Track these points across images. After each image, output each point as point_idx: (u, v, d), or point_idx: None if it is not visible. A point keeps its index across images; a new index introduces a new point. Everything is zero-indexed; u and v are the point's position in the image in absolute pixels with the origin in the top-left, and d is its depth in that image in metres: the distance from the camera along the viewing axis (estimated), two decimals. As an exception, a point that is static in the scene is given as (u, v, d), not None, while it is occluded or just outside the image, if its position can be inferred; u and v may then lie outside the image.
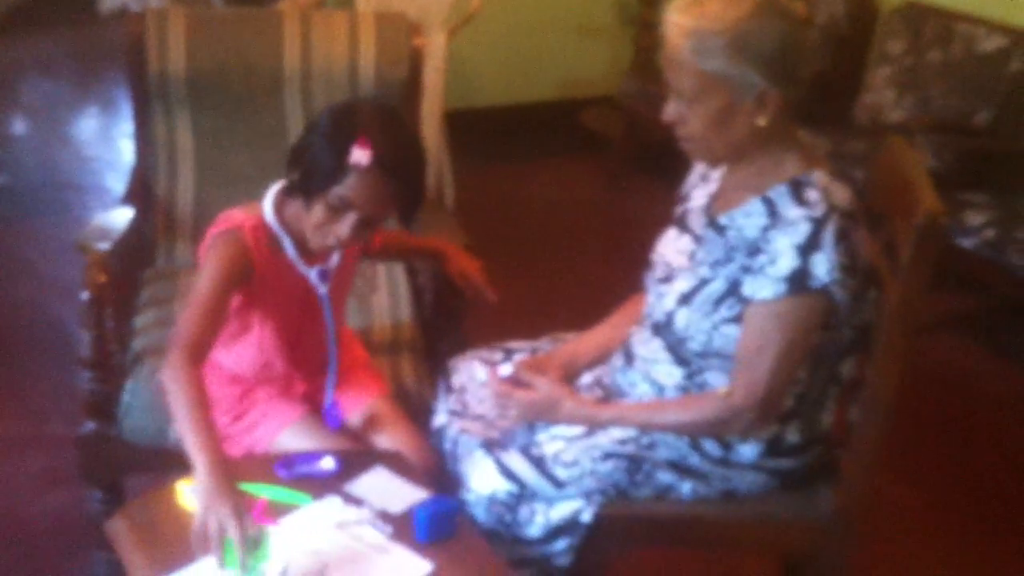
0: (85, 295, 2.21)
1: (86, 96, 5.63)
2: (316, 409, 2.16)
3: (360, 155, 1.85)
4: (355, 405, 2.19)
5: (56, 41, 6.26)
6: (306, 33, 2.71)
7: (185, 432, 1.79)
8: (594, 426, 2.00)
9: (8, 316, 3.57)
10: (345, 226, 1.92)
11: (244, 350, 2.12)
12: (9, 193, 4.45)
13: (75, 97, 5.62)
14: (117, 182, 4.35)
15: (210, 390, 2.08)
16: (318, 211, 1.92)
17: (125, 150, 4.82)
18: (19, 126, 5.24)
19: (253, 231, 1.98)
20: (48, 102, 5.52)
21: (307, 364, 2.17)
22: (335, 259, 2.09)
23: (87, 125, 5.37)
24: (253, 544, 1.66)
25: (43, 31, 6.32)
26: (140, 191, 2.71)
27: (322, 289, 2.08)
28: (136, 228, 2.54)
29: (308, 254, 2.05)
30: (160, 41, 2.64)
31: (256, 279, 2.01)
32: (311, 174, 1.91)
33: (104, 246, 2.31)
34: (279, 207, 2.02)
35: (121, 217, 2.49)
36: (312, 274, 2.06)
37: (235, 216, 2.01)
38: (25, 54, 5.99)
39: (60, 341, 3.33)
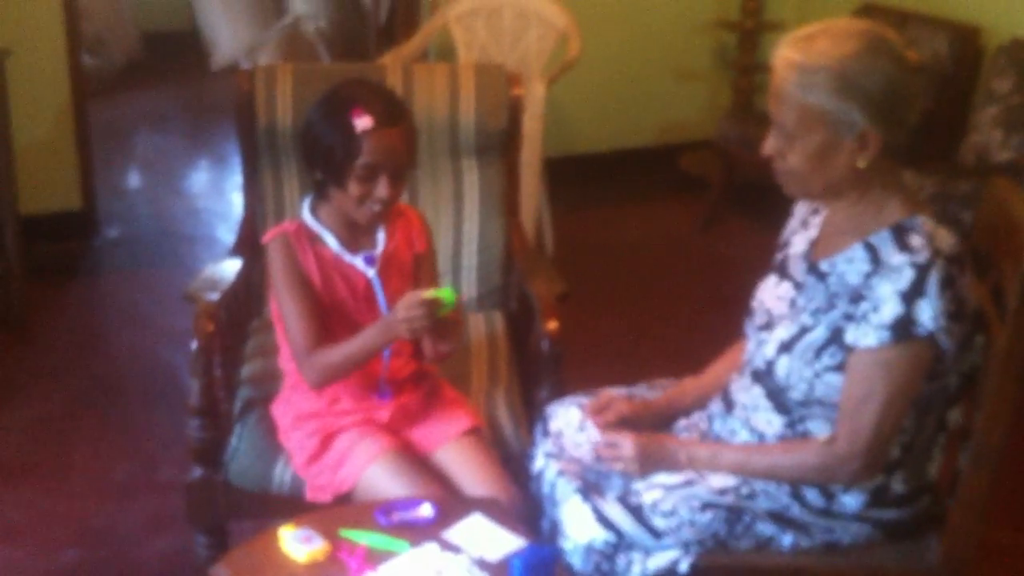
0: (194, 344, 2.26)
1: (197, 150, 5.81)
2: (407, 446, 2.19)
3: (362, 122, 2.04)
4: (444, 438, 2.21)
5: (169, 96, 6.47)
6: (408, 85, 2.77)
7: (361, 351, 2.09)
8: (692, 463, 1.98)
9: (122, 364, 3.68)
10: (382, 187, 2.08)
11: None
12: (124, 244, 4.59)
13: (187, 151, 5.80)
14: (227, 233, 4.47)
15: (298, 408, 2.21)
16: (353, 188, 2.08)
17: (234, 202, 4.95)
18: (133, 179, 5.42)
19: (295, 232, 2.16)
20: (161, 155, 5.70)
21: (374, 362, 2.20)
22: (380, 245, 2.20)
23: (198, 178, 5.53)
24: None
25: (156, 87, 6.54)
26: (248, 242, 2.77)
27: (370, 272, 2.18)
28: (244, 278, 2.61)
29: (353, 244, 2.18)
30: (268, 96, 2.73)
31: (312, 281, 2.14)
32: (332, 161, 2.08)
33: (213, 296, 2.37)
34: (315, 211, 2.19)
35: (230, 268, 2.56)
36: (358, 261, 2.18)
37: (282, 225, 2.19)
38: (139, 109, 6.20)
39: (170, 389, 3.43)
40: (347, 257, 2.18)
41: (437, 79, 2.80)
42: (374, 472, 2.11)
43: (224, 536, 2.38)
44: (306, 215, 2.19)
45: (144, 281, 4.25)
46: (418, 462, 2.16)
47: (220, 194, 5.26)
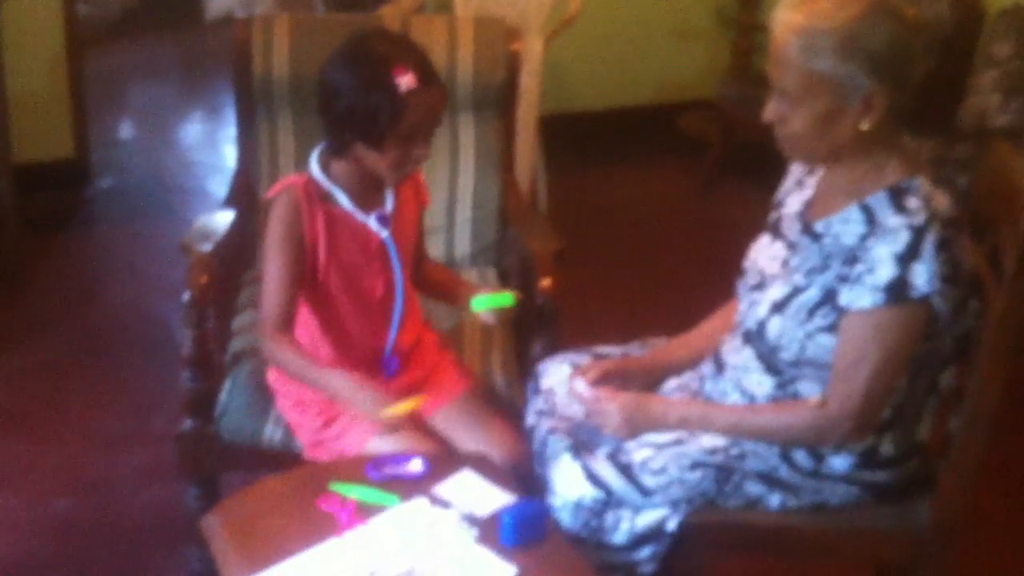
0: (187, 295, 2.25)
1: (191, 101, 5.76)
2: (413, 417, 2.17)
3: (406, 80, 1.94)
4: (445, 399, 2.20)
5: (162, 46, 6.41)
6: (405, 38, 2.74)
7: (312, 380, 2.05)
8: (684, 424, 1.98)
9: (113, 315, 3.67)
10: (423, 147, 2.01)
11: (321, 334, 2.14)
12: (115, 195, 4.57)
13: (180, 102, 5.75)
14: (220, 185, 4.44)
15: (299, 393, 2.13)
16: (392, 150, 1.99)
17: (228, 154, 4.92)
18: (127, 129, 5.38)
19: (304, 187, 2.06)
20: (154, 106, 5.65)
21: (381, 329, 2.17)
22: (389, 205, 2.13)
23: (192, 129, 5.49)
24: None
25: (150, 36, 6.47)
26: (242, 194, 2.76)
27: (384, 233, 2.11)
28: (238, 230, 2.59)
29: (364, 203, 2.10)
30: (264, 46, 2.70)
31: (317, 242, 2.06)
32: (374, 124, 1.96)
33: (206, 247, 2.36)
34: (325, 167, 2.08)
35: (223, 219, 2.54)
36: (371, 221, 2.10)
37: (288, 179, 2.09)
38: (132, 59, 6.14)
39: (163, 340, 3.42)
40: (360, 216, 2.09)
41: (435, 32, 2.77)
42: (376, 445, 2.09)
43: (215, 487, 2.39)
44: (316, 171, 2.08)
45: (137, 232, 4.22)
46: (421, 429, 2.14)
47: (214, 145, 5.22)
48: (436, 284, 2.31)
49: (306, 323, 2.14)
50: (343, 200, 2.08)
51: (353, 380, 2.00)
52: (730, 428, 1.96)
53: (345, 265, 2.10)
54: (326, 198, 2.08)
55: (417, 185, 2.23)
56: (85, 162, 4.52)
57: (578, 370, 2.12)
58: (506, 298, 2.08)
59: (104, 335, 3.54)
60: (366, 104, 1.95)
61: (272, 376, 2.24)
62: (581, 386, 2.05)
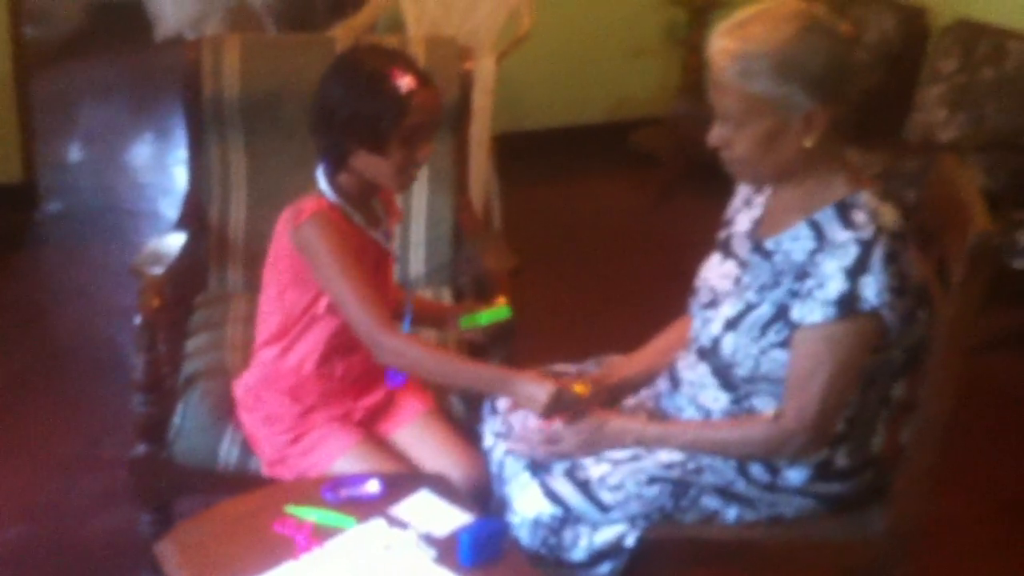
0: (139, 319, 2.23)
1: (141, 122, 5.72)
2: (372, 435, 2.17)
3: (406, 81, 1.98)
4: (404, 421, 2.20)
5: (112, 68, 6.36)
6: (355, 58, 2.74)
7: (454, 372, 2.04)
8: (641, 444, 1.99)
9: (63, 340, 3.62)
10: (426, 147, 2.04)
11: (309, 345, 2.13)
12: (65, 219, 4.52)
13: (130, 123, 5.71)
14: (171, 208, 4.40)
15: (269, 407, 2.11)
16: (396, 153, 2.01)
17: (179, 176, 4.89)
18: (75, 152, 5.32)
19: (331, 211, 2.05)
20: (103, 128, 5.60)
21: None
22: (384, 218, 2.17)
23: (142, 151, 5.45)
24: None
25: (99, 58, 6.42)
26: (193, 216, 2.74)
27: (390, 246, 2.16)
28: (189, 253, 2.58)
29: (369, 219, 2.12)
30: (215, 67, 2.69)
31: None
32: (377, 128, 1.98)
33: (157, 270, 2.34)
34: (333, 186, 2.08)
35: (174, 242, 2.53)
36: (380, 235, 2.13)
37: (305, 205, 2.05)
38: (81, 81, 6.09)
39: (114, 364, 3.38)
40: (373, 233, 2.11)
41: (386, 52, 2.77)
42: (342, 465, 2.08)
43: (169, 512, 2.36)
44: (327, 191, 2.07)
45: (87, 255, 4.18)
46: (386, 451, 2.15)
47: (164, 168, 5.18)
48: (420, 307, 2.29)
49: (316, 339, 2.13)
50: (356, 217, 2.09)
51: (508, 370, 2.04)
52: (688, 444, 1.96)
53: None
54: (344, 218, 2.08)
55: (391, 196, 2.25)
56: (33, 185, 4.48)
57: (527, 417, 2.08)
58: (503, 311, 2.05)
59: (54, 359, 3.49)
60: (368, 110, 1.98)
61: (241, 390, 2.21)
62: (533, 424, 2.04)
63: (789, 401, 1.88)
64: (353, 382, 2.18)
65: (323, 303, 2.09)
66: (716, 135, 1.89)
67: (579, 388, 1.98)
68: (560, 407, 1.96)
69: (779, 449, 1.91)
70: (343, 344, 2.13)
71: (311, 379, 2.14)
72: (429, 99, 2.02)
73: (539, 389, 1.95)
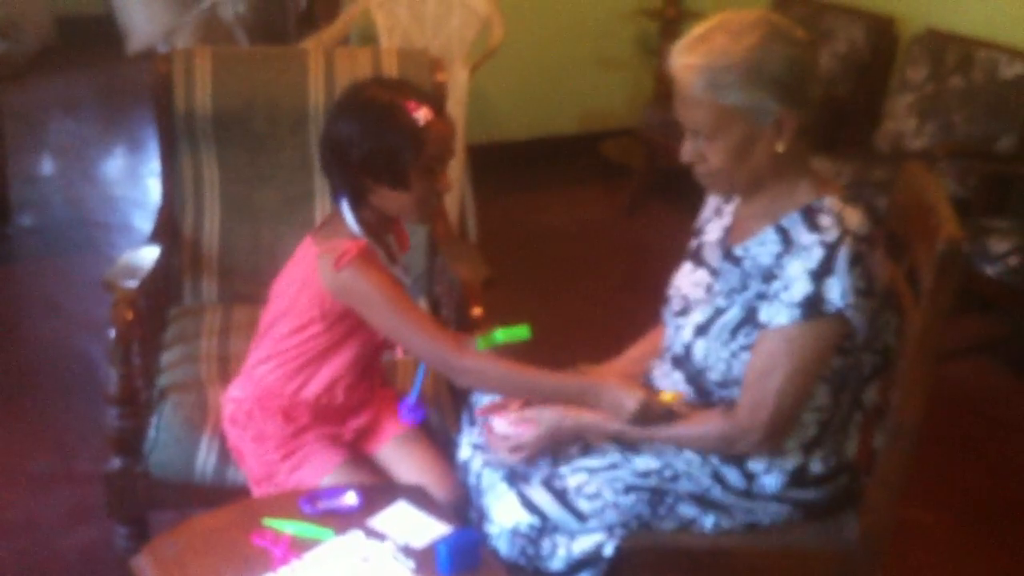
0: (112, 332, 2.23)
1: (113, 136, 5.70)
2: (360, 454, 2.18)
3: (422, 113, 1.96)
4: (383, 438, 2.21)
5: (83, 81, 6.34)
6: (330, 70, 2.75)
7: (537, 386, 1.98)
8: (603, 434, 1.99)
9: (36, 353, 3.60)
10: (445, 178, 2.02)
11: (322, 375, 2.11)
12: (37, 232, 4.50)
13: (102, 137, 5.69)
14: (144, 220, 4.39)
15: (261, 426, 2.10)
16: (418, 186, 1.99)
17: (152, 189, 4.87)
18: (47, 166, 5.30)
19: (369, 252, 2.01)
20: (75, 142, 5.58)
21: (377, 377, 2.20)
22: (399, 252, 2.17)
23: (114, 164, 5.43)
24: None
25: (71, 71, 6.40)
26: (166, 229, 2.73)
27: (408, 281, 2.13)
28: (162, 265, 2.57)
29: (389, 255, 2.11)
30: (187, 80, 2.68)
31: None
32: (396, 163, 1.96)
33: (131, 284, 2.33)
34: (360, 224, 2.04)
35: (148, 255, 2.52)
36: (400, 272, 2.11)
37: (341, 246, 1.99)
38: (53, 94, 6.07)
39: (87, 378, 3.36)
40: (394, 270, 2.08)
41: (360, 64, 2.78)
42: (329, 482, 2.07)
43: (145, 527, 2.35)
44: (357, 230, 2.02)
45: (59, 269, 4.16)
46: (371, 469, 2.15)
47: (136, 181, 5.16)
48: None
49: (332, 370, 2.11)
50: (382, 255, 2.07)
51: (593, 379, 2.00)
52: (647, 436, 1.97)
53: None
54: (375, 257, 2.05)
55: (402, 230, 2.23)
56: (5, 199, 4.46)
57: (489, 424, 2.07)
58: (522, 331, 2.00)
59: (26, 373, 3.47)
60: (386, 146, 1.95)
61: (230, 405, 2.17)
62: (502, 426, 2.04)
63: (743, 397, 1.89)
64: (348, 407, 2.18)
65: (352, 342, 2.08)
66: (688, 150, 1.90)
67: (668, 397, 1.96)
68: (649, 416, 1.93)
69: (733, 444, 1.92)
70: (355, 374, 2.13)
71: (309, 403, 2.13)
72: (444, 129, 2.00)
73: (628, 397, 1.93)
